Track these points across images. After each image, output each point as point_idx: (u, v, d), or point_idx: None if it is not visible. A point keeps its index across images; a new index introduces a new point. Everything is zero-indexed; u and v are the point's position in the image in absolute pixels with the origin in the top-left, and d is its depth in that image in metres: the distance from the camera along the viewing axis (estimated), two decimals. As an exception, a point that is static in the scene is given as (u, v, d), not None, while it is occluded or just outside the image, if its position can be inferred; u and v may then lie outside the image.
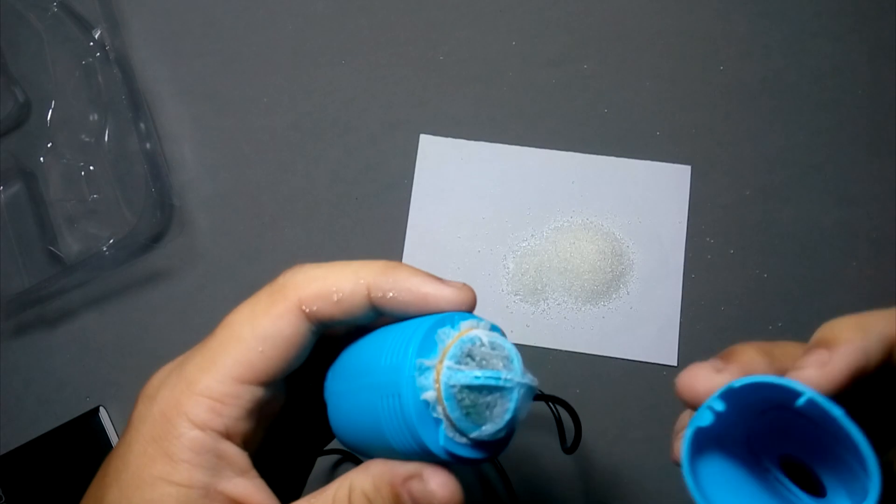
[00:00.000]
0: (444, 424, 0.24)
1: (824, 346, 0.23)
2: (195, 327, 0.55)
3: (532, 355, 0.52)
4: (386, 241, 0.55)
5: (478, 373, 0.23)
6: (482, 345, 0.24)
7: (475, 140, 0.56)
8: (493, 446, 0.25)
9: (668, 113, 0.55)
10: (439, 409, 0.24)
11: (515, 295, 0.54)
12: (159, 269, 0.56)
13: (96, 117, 0.56)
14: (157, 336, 0.56)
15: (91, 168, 0.56)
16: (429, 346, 0.24)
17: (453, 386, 0.23)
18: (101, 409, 0.55)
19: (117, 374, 0.56)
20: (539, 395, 0.45)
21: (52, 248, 0.56)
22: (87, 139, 0.56)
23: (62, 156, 0.57)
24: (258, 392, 0.26)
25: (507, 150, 0.56)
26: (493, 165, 0.56)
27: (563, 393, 0.48)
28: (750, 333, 0.52)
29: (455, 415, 0.24)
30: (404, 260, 0.55)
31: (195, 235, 0.57)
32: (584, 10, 0.57)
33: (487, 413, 0.24)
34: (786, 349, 0.26)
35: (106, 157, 0.56)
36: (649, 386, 0.52)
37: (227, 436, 0.25)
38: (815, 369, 0.23)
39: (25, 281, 0.56)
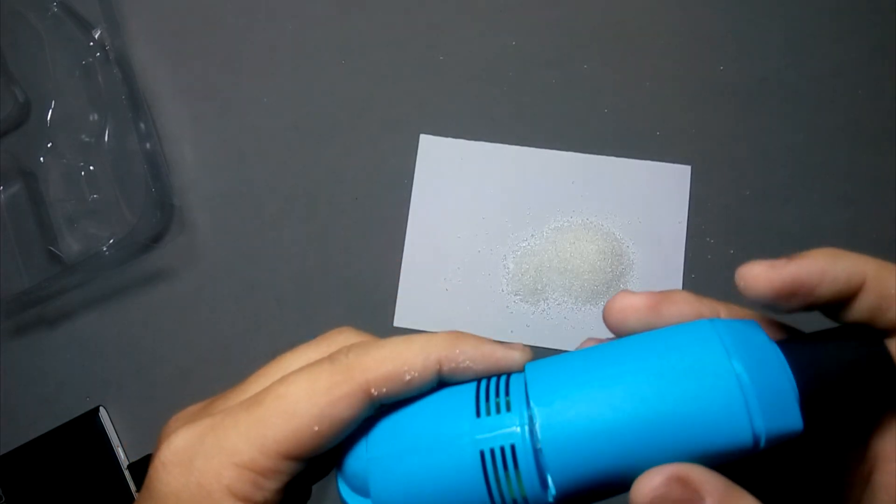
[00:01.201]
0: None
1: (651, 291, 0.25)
2: (195, 327, 0.55)
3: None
4: (386, 241, 0.55)
5: None
6: None
7: (475, 140, 0.56)
8: None
9: (668, 113, 0.55)
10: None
11: (515, 295, 0.54)
12: (159, 269, 0.56)
13: (96, 117, 0.56)
14: (157, 336, 0.56)
15: (91, 168, 0.56)
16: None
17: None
18: (101, 409, 0.55)
19: (117, 374, 0.56)
20: None
21: (52, 248, 0.56)
22: (87, 139, 0.56)
23: (62, 156, 0.57)
24: (300, 467, 0.25)
25: (507, 150, 0.56)
26: (493, 165, 0.56)
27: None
28: (750, 333, 0.52)
29: None
30: (404, 260, 0.55)
31: (195, 235, 0.57)
32: (584, 10, 0.57)
33: None
34: (714, 307, 0.28)
35: (106, 157, 0.56)
36: (649, 386, 0.52)
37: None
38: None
39: (25, 281, 0.56)
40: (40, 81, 0.57)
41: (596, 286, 0.53)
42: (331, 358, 0.25)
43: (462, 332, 0.26)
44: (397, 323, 0.54)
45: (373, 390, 0.24)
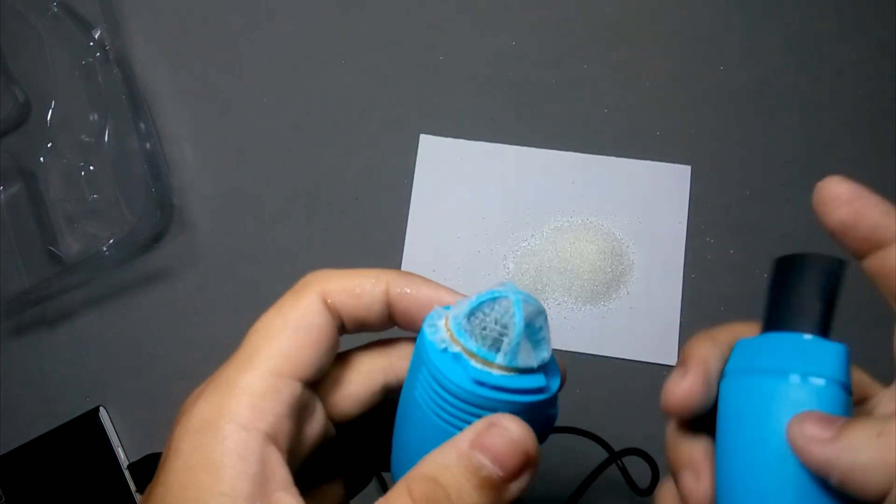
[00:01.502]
0: (467, 358, 0.24)
1: (682, 363, 0.26)
2: (195, 327, 0.55)
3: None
4: (386, 241, 0.55)
5: (473, 298, 0.25)
6: (477, 295, 0.26)
7: (475, 140, 0.56)
8: (536, 374, 0.25)
9: (668, 113, 0.55)
10: (456, 347, 0.24)
11: (515, 295, 0.54)
12: (159, 269, 0.56)
13: (96, 117, 0.56)
14: (157, 336, 0.56)
15: (91, 168, 0.56)
16: (430, 317, 0.26)
17: (459, 321, 0.25)
18: (101, 409, 0.55)
19: (117, 374, 0.56)
20: (609, 456, 0.47)
21: (52, 248, 0.56)
22: (87, 139, 0.56)
23: (62, 156, 0.57)
24: (297, 387, 0.26)
25: (507, 150, 0.56)
26: (493, 165, 0.56)
27: (564, 393, 0.48)
28: (750, 333, 0.52)
29: (472, 345, 0.24)
30: (404, 260, 0.55)
31: (195, 235, 0.57)
32: (584, 10, 0.57)
33: (499, 329, 0.24)
34: (730, 330, 0.29)
35: (106, 157, 0.56)
36: (649, 386, 0.52)
37: (273, 438, 0.24)
38: (677, 382, 0.25)
39: (25, 281, 0.56)
40: (40, 81, 0.57)
41: (596, 286, 0.53)
42: (292, 286, 0.28)
43: (415, 273, 0.28)
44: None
45: (328, 299, 0.27)
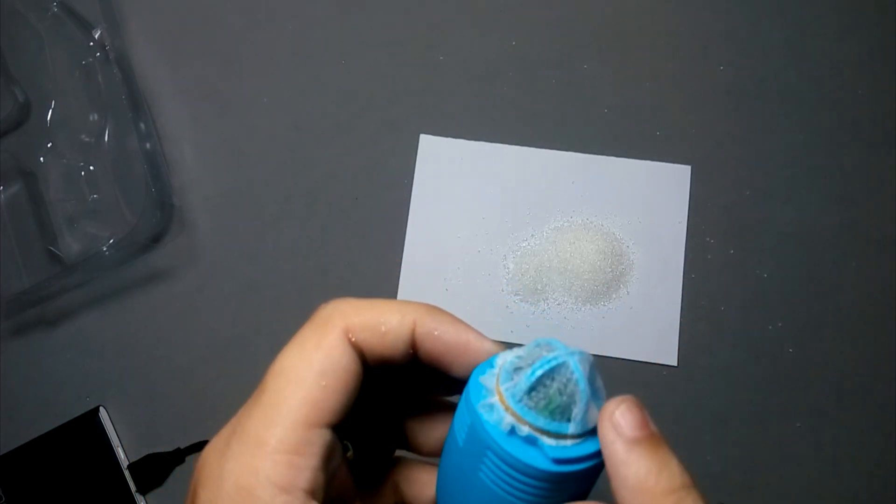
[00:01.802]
0: (540, 438, 0.23)
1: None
2: (195, 327, 0.55)
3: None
4: (386, 241, 0.55)
5: (528, 371, 0.23)
6: (521, 356, 0.24)
7: (475, 140, 0.56)
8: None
9: (668, 113, 0.55)
10: (525, 428, 0.23)
11: (515, 295, 0.54)
12: (159, 269, 0.56)
13: (96, 117, 0.56)
14: (157, 336, 0.56)
15: (91, 168, 0.56)
16: (479, 393, 0.24)
17: (519, 397, 0.23)
18: (101, 409, 0.55)
19: (117, 374, 0.56)
20: None
21: (52, 248, 0.56)
22: (87, 139, 0.56)
23: (62, 156, 0.57)
24: (328, 436, 0.24)
25: (507, 150, 0.56)
26: (493, 165, 0.56)
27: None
28: (750, 333, 0.52)
29: (541, 422, 0.23)
30: (404, 260, 0.55)
31: (195, 235, 0.57)
32: (584, 10, 0.57)
33: (565, 399, 0.23)
34: None
35: (106, 157, 0.56)
36: (649, 386, 0.52)
37: (311, 493, 0.23)
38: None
39: (25, 281, 0.56)
40: (40, 81, 0.57)
41: (596, 286, 0.53)
42: (311, 317, 0.26)
43: (440, 308, 0.26)
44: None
45: (351, 335, 0.25)
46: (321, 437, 0.24)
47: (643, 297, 0.53)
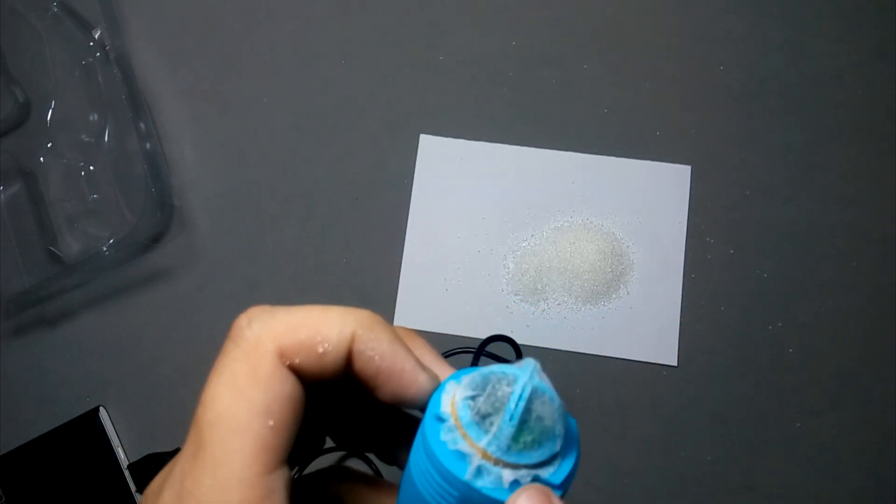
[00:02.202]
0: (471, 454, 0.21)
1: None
2: (195, 327, 0.55)
3: (532, 355, 0.52)
4: (386, 241, 0.55)
5: (503, 415, 0.21)
6: (472, 395, 0.22)
7: (475, 140, 0.56)
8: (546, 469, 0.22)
9: (668, 113, 0.55)
10: (521, 472, 0.21)
11: (515, 295, 0.54)
12: (159, 269, 0.56)
13: (96, 117, 0.56)
14: (157, 336, 0.56)
15: (91, 168, 0.56)
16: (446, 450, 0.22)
17: (507, 447, 0.21)
18: (101, 409, 0.55)
19: (117, 374, 0.56)
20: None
21: (52, 248, 0.56)
22: (87, 139, 0.56)
23: (62, 156, 0.57)
24: (286, 474, 0.21)
25: (507, 150, 0.56)
26: (493, 165, 0.56)
27: (564, 393, 0.48)
28: (750, 333, 0.52)
29: (534, 458, 0.21)
30: (404, 260, 0.55)
31: (195, 235, 0.57)
32: (584, 10, 0.57)
33: (548, 423, 0.22)
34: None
35: (106, 157, 0.56)
36: (649, 386, 0.52)
37: None
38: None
39: (25, 281, 0.56)
40: (40, 81, 0.57)
41: (596, 286, 0.53)
42: (233, 339, 0.22)
43: (382, 320, 0.23)
44: (397, 323, 0.54)
45: (286, 360, 0.21)
46: (281, 479, 0.21)
47: (643, 297, 0.53)
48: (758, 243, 0.53)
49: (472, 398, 0.22)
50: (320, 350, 0.21)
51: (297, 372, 0.22)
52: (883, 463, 0.50)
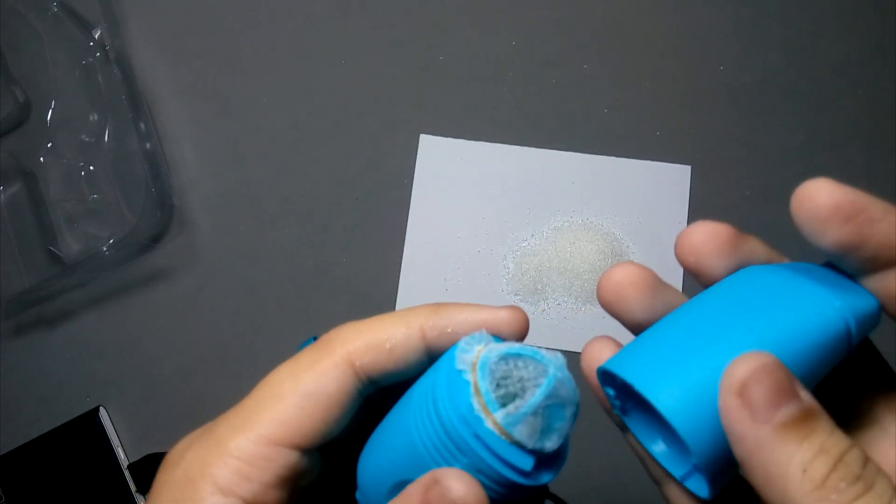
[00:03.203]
0: (472, 394, 0.22)
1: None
2: (195, 327, 0.55)
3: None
4: (386, 241, 0.55)
5: (519, 345, 0.23)
6: (525, 345, 0.23)
7: (475, 140, 0.56)
8: (527, 455, 0.22)
9: (668, 113, 0.55)
10: (471, 377, 0.22)
11: (515, 295, 0.54)
12: (159, 269, 0.56)
13: (96, 117, 0.56)
14: (157, 336, 0.56)
15: (91, 168, 0.56)
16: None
17: (489, 357, 0.22)
18: (101, 409, 0.55)
19: (117, 374, 0.56)
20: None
21: (52, 248, 0.56)
22: (87, 139, 0.56)
23: (62, 156, 0.57)
24: (293, 457, 0.23)
25: (507, 150, 0.56)
26: (493, 165, 0.56)
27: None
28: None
29: (484, 385, 0.22)
30: (404, 260, 0.55)
31: (195, 235, 0.57)
32: (584, 10, 0.57)
33: (518, 391, 0.22)
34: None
35: (106, 157, 0.56)
36: (649, 386, 0.52)
37: None
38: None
39: (25, 281, 0.56)
40: (40, 81, 0.57)
41: (596, 286, 0.53)
42: (313, 344, 0.25)
43: (446, 302, 0.25)
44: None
45: (356, 361, 0.24)
46: (284, 457, 0.23)
47: (643, 297, 0.53)
48: (758, 243, 0.53)
49: (495, 364, 0.22)
50: (388, 346, 0.24)
51: (367, 372, 0.24)
52: (883, 463, 0.50)
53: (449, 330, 0.24)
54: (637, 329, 0.24)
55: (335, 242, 0.56)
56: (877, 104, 0.54)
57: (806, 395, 0.18)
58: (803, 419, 0.18)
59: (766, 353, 0.19)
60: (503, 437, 0.22)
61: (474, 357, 0.22)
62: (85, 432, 0.54)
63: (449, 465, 0.22)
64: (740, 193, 0.54)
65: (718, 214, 0.54)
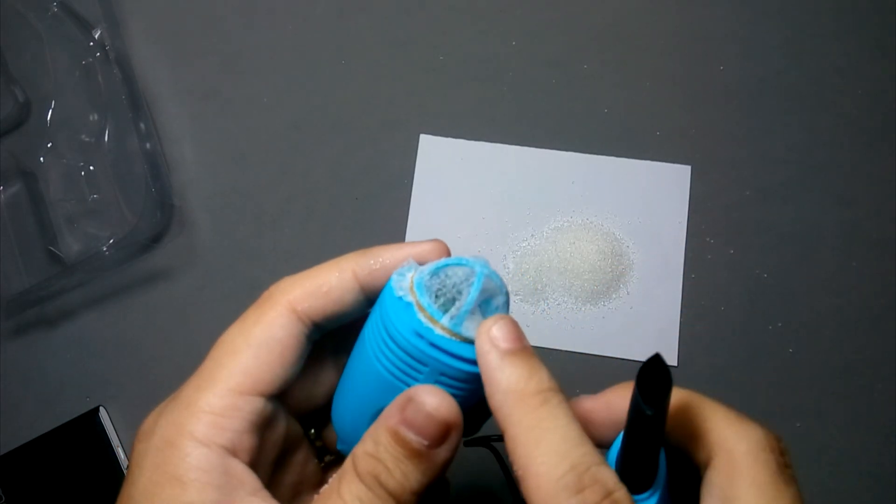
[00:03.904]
0: (417, 310, 0.25)
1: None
2: (195, 327, 0.55)
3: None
4: (386, 241, 0.55)
5: (442, 259, 0.26)
6: (446, 258, 0.27)
7: (475, 140, 0.56)
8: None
9: (668, 113, 0.55)
10: (411, 298, 0.25)
11: (515, 295, 0.54)
12: (159, 269, 0.56)
13: (96, 117, 0.57)
14: (157, 336, 0.56)
15: (91, 168, 0.56)
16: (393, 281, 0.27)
17: (422, 276, 0.25)
18: (101, 409, 0.55)
19: (117, 374, 0.56)
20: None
21: (52, 248, 0.56)
22: (87, 139, 0.56)
23: (62, 156, 0.57)
24: (259, 403, 0.26)
25: (507, 150, 0.56)
26: (493, 165, 0.56)
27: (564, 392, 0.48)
28: (750, 333, 0.52)
29: (424, 300, 0.25)
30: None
31: (195, 235, 0.57)
32: (584, 10, 0.57)
33: (455, 294, 0.25)
34: None
35: (106, 157, 0.56)
36: (649, 386, 0.52)
37: (234, 452, 0.25)
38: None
39: (25, 281, 0.56)
40: (40, 81, 0.57)
41: (596, 286, 0.53)
42: (256, 301, 0.28)
43: (373, 246, 0.28)
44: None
45: (297, 307, 0.27)
46: (251, 405, 0.25)
47: (643, 297, 0.53)
48: (758, 243, 0.53)
49: (429, 280, 0.26)
50: (324, 290, 0.27)
51: (309, 316, 0.27)
52: (883, 463, 0.50)
53: (377, 267, 0.27)
54: None
55: (335, 242, 0.56)
56: (877, 104, 0.54)
57: (526, 342, 0.24)
58: (523, 353, 0.24)
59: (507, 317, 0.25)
60: (455, 338, 0.25)
61: (409, 282, 0.26)
62: (85, 432, 0.54)
63: (416, 381, 0.25)
64: (740, 193, 0.54)
65: (718, 214, 0.54)
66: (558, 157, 0.55)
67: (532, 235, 0.54)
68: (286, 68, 0.58)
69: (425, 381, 0.25)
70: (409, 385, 0.25)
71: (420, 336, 0.25)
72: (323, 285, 0.27)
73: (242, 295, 0.56)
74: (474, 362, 0.25)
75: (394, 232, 0.55)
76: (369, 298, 0.28)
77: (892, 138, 0.54)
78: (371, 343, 0.26)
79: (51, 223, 0.56)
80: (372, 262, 0.27)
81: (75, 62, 0.57)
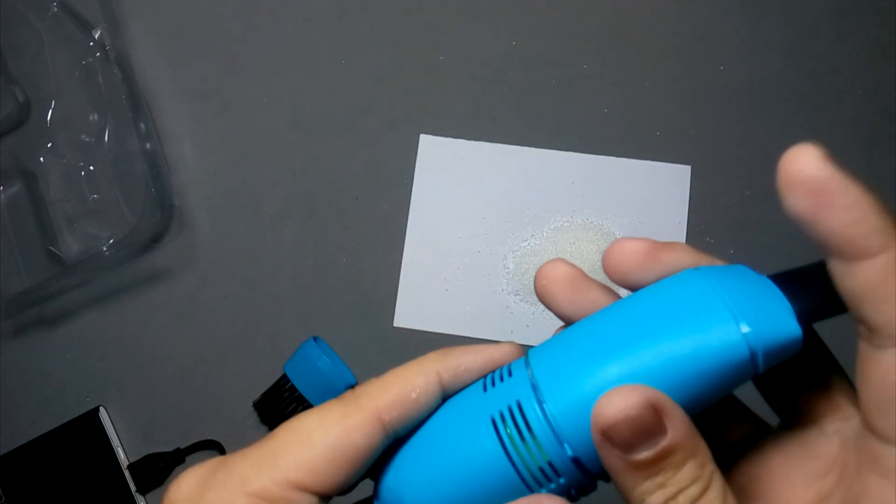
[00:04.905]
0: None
1: None
2: (195, 327, 0.55)
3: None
4: (386, 241, 0.55)
5: None
6: None
7: (475, 140, 0.56)
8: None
9: (668, 113, 0.55)
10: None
11: (515, 295, 0.54)
12: (159, 269, 0.56)
13: (96, 117, 0.56)
14: (157, 336, 0.56)
15: (91, 168, 0.56)
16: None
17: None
18: (101, 409, 0.55)
19: (117, 374, 0.56)
20: None
21: (52, 248, 0.56)
22: (87, 139, 0.56)
23: (62, 156, 0.57)
24: (313, 502, 0.24)
25: (507, 150, 0.56)
26: (493, 165, 0.56)
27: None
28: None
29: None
30: (404, 260, 0.55)
31: (195, 235, 0.57)
32: (584, 10, 0.57)
33: None
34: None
35: (106, 157, 0.56)
36: (649, 386, 0.52)
37: None
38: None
39: (25, 281, 0.56)
40: (40, 81, 0.57)
41: (596, 286, 0.53)
42: (339, 398, 0.26)
43: (450, 347, 0.27)
44: (397, 323, 0.54)
45: (384, 416, 0.25)
46: (306, 500, 0.24)
47: (643, 297, 0.53)
48: (758, 243, 0.53)
49: None
50: (413, 396, 0.25)
51: (397, 425, 0.25)
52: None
53: (463, 369, 0.26)
54: (568, 320, 0.26)
55: (335, 242, 0.56)
56: (877, 104, 0.54)
57: (676, 431, 0.20)
58: (658, 459, 0.20)
59: (640, 388, 0.20)
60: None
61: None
62: (85, 432, 0.54)
63: (545, 490, 0.23)
64: (740, 193, 0.54)
65: (718, 214, 0.54)
66: (558, 157, 0.55)
67: (532, 235, 0.54)
68: (286, 68, 0.58)
69: (556, 491, 0.23)
70: (533, 490, 0.23)
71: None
72: (411, 391, 0.25)
73: (242, 295, 0.56)
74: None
75: (394, 232, 0.55)
76: (446, 398, 0.26)
77: (892, 138, 0.54)
78: (505, 435, 0.23)
79: (51, 223, 0.56)
80: (456, 364, 0.26)
81: (75, 62, 0.57)
